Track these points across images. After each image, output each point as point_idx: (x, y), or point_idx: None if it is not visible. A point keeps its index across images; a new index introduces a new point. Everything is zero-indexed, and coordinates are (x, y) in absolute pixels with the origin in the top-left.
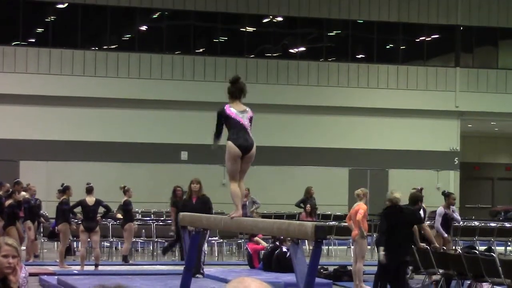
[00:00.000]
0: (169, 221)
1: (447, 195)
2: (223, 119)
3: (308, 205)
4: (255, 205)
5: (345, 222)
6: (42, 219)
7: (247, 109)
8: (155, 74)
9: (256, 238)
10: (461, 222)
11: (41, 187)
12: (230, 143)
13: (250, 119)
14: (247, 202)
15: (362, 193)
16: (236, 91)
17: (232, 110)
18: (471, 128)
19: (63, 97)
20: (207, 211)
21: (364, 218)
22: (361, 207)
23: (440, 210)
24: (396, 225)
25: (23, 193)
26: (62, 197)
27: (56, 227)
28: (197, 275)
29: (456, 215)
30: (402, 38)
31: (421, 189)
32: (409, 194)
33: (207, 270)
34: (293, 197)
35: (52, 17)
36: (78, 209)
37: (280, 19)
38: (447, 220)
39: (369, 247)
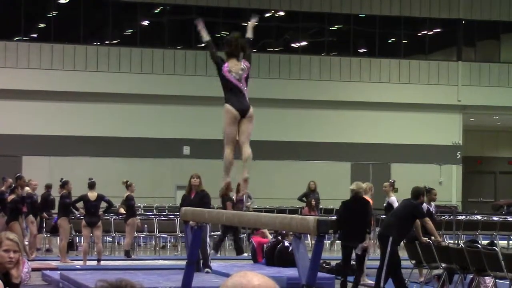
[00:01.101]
0: (171, 216)
1: (428, 191)
2: (220, 73)
3: (313, 199)
4: (250, 200)
5: None
6: (44, 214)
7: (243, 66)
8: (157, 69)
9: (263, 231)
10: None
11: (43, 182)
12: (227, 105)
13: (246, 78)
14: (244, 196)
15: (367, 188)
16: (234, 49)
17: (230, 73)
18: (473, 122)
19: (65, 92)
20: (203, 206)
21: None
22: None
23: (423, 205)
24: (351, 213)
25: (26, 188)
26: (61, 192)
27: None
28: (206, 270)
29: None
30: (404, 32)
31: (394, 182)
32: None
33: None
34: (295, 191)
35: (54, 12)
36: (80, 204)
37: (281, 13)
38: (430, 215)
39: (372, 241)
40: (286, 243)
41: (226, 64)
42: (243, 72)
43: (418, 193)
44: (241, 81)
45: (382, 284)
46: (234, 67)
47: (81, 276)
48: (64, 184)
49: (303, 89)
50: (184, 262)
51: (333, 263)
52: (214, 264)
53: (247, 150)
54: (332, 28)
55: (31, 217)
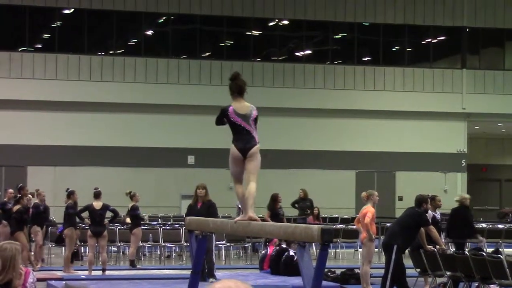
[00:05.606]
0: (176, 225)
1: (432, 198)
2: (226, 120)
3: (308, 208)
4: None
5: (352, 225)
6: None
7: (251, 109)
8: (161, 78)
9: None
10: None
11: (48, 192)
12: (232, 146)
13: (255, 120)
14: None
15: (366, 196)
16: (235, 88)
17: (236, 116)
18: (478, 129)
19: (69, 103)
20: (210, 215)
21: (372, 221)
22: (369, 210)
23: (429, 212)
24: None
25: (29, 196)
26: (67, 202)
27: (63, 232)
28: (211, 279)
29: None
30: (408, 40)
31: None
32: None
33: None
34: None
35: (58, 23)
36: (85, 214)
37: (285, 22)
38: (436, 223)
39: (376, 250)
40: (291, 252)
41: (231, 108)
42: (251, 115)
43: (421, 201)
44: (248, 123)
45: None
46: (240, 108)
47: (86, 286)
48: (69, 194)
49: (307, 97)
50: (189, 272)
51: (338, 271)
52: (218, 274)
53: (249, 187)
54: (336, 36)
55: (36, 227)
